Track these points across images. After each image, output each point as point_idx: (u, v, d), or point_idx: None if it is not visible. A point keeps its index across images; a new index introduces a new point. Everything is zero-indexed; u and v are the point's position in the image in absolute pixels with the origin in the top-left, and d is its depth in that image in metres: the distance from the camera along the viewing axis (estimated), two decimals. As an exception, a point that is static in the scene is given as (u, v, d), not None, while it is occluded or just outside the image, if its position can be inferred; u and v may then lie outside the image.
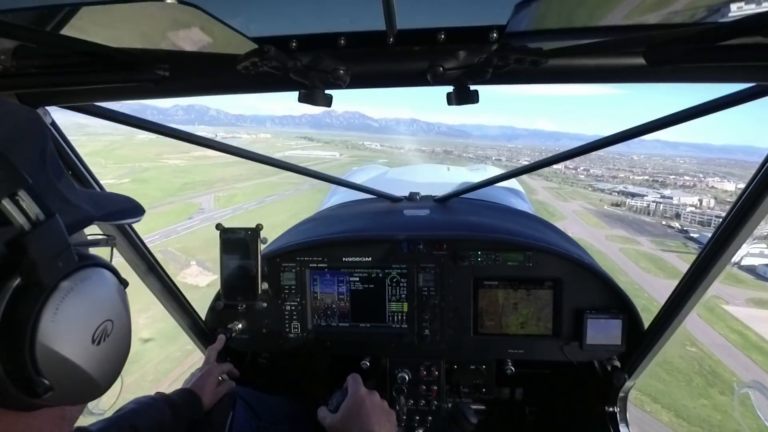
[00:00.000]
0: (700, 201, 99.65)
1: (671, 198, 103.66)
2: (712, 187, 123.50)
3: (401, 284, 2.07)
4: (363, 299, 2.10)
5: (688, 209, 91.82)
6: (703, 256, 1.53)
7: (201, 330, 2.15)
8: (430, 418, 2.11)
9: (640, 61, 0.97)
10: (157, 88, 1.16)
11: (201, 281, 36.92)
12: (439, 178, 3.48)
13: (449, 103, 1.10)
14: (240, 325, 2.08)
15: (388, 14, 0.82)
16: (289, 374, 2.50)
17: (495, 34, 0.94)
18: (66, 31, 0.90)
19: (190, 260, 40.41)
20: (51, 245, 0.57)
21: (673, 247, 55.75)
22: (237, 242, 1.88)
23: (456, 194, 2.46)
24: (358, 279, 2.09)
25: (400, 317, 2.09)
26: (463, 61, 0.98)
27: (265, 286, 1.98)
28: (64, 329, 0.59)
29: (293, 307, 2.11)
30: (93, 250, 0.79)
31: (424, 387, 2.11)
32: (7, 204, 0.52)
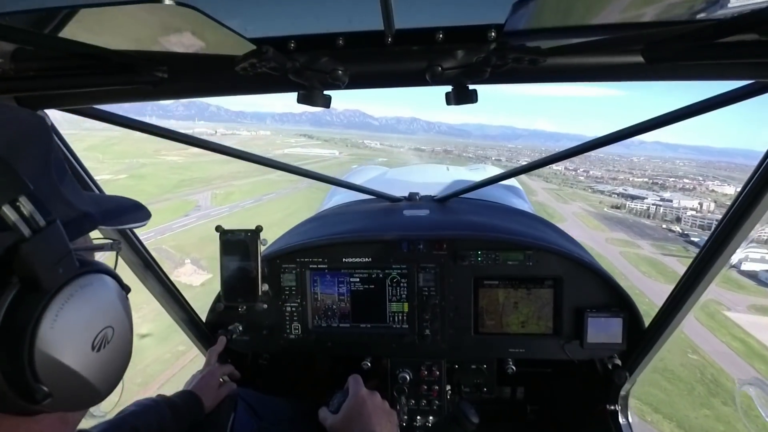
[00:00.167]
0: (701, 204, 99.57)
1: (671, 201, 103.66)
2: (713, 190, 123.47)
3: (401, 284, 2.07)
4: (363, 300, 2.10)
5: (689, 213, 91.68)
6: (703, 253, 1.51)
7: (202, 332, 2.14)
8: (431, 417, 2.11)
9: (639, 59, 0.97)
10: (156, 90, 1.15)
11: (195, 280, 36.40)
12: (439, 178, 3.44)
13: (448, 102, 1.09)
14: (241, 327, 2.08)
15: (387, 14, 0.82)
16: (290, 375, 2.50)
17: (493, 33, 0.93)
18: (64, 33, 0.90)
19: (185, 258, 39.92)
20: (51, 251, 0.57)
21: (673, 251, 55.48)
22: (237, 244, 1.86)
23: (455, 194, 2.45)
24: (358, 279, 2.09)
25: (400, 317, 2.09)
26: (462, 60, 0.98)
27: (266, 287, 1.98)
28: (64, 336, 0.59)
29: (294, 308, 2.11)
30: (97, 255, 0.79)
31: (425, 387, 2.11)
32: (7, 210, 0.52)
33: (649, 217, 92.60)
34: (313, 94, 1.05)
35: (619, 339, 1.95)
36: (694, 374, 26.46)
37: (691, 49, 0.89)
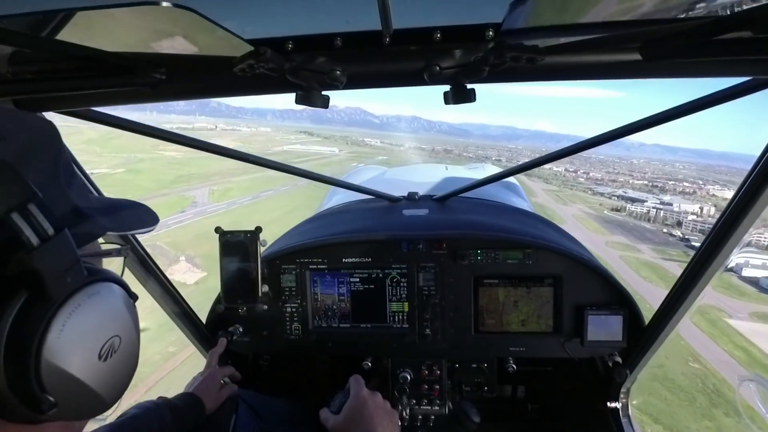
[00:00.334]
0: (701, 209, 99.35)
1: (671, 204, 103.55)
2: (713, 195, 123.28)
3: (401, 284, 2.07)
4: (363, 300, 2.09)
5: (690, 217, 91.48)
6: (702, 250, 1.51)
7: (202, 333, 2.13)
8: (432, 417, 2.12)
9: (636, 56, 0.97)
10: (154, 92, 1.15)
11: (189, 278, 35.88)
12: (438, 178, 3.46)
13: (446, 102, 1.09)
14: (241, 328, 2.08)
15: (384, 14, 0.82)
16: (291, 376, 2.49)
17: (491, 32, 0.94)
18: (62, 36, 0.90)
19: (179, 256, 39.46)
20: (59, 260, 0.57)
21: (674, 256, 55.16)
22: (236, 245, 1.85)
23: (455, 193, 2.45)
24: (358, 279, 2.09)
25: (400, 317, 2.09)
26: (460, 59, 0.98)
27: (266, 288, 1.97)
28: (71, 346, 0.59)
29: (294, 309, 2.11)
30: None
31: (426, 386, 2.12)
32: (16, 218, 0.52)
33: (649, 220, 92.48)
34: (311, 95, 1.05)
35: (619, 337, 1.95)
36: (696, 384, 25.99)
37: (688, 46, 0.88)
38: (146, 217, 0.89)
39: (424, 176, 3.51)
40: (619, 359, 1.97)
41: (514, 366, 2.07)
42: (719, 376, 26.72)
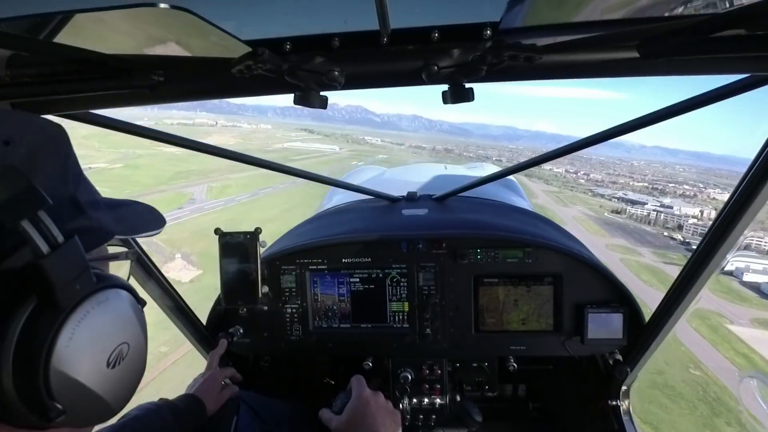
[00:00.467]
0: (701, 212, 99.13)
1: (672, 208, 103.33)
2: (713, 198, 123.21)
3: (401, 284, 2.07)
4: (363, 300, 2.09)
5: (690, 221, 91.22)
6: (702, 246, 1.51)
7: (202, 335, 2.13)
8: (433, 416, 2.12)
9: (634, 54, 0.97)
10: (153, 94, 1.15)
11: (184, 276, 35.50)
12: (437, 177, 3.45)
13: (445, 101, 1.09)
14: (241, 329, 2.07)
15: (382, 14, 0.82)
16: (292, 377, 2.49)
17: (489, 31, 0.93)
18: (59, 39, 0.90)
19: (175, 253, 39.13)
20: (69, 268, 0.57)
21: (675, 260, 55.03)
22: (236, 246, 1.85)
23: (454, 193, 2.44)
24: (358, 280, 2.08)
25: (401, 317, 2.08)
26: (458, 59, 0.98)
27: (266, 289, 1.97)
28: (80, 354, 0.59)
29: (294, 310, 2.10)
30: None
31: (427, 386, 2.12)
32: (26, 226, 0.52)
33: (649, 223, 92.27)
34: (309, 95, 1.05)
35: (619, 334, 1.95)
36: (696, 391, 25.64)
37: (685, 43, 0.88)
38: (152, 219, 0.89)
39: (423, 176, 3.50)
40: (619, 357, 1.97)
41: (515, 365, 2.07)
42: (720, 384, 26.35)
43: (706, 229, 1.53)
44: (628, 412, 2.03)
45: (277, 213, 56.46)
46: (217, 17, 0.79)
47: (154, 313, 1.96)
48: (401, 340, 2.09)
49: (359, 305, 2.11)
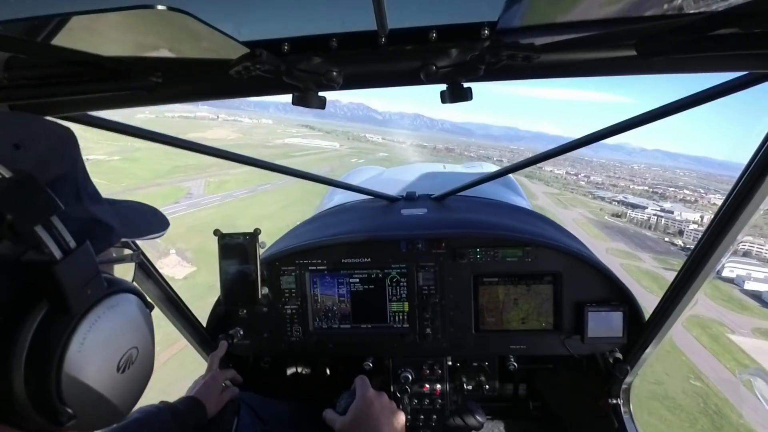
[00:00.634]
0: (702, 218, 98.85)
1: (672, 212, 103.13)
2: (714, 204, 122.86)
3: (401, 284, 2.07)
4: (363, 300, 2.09)
5: (691, 227, 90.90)
6: (703, 242, 1.51)
7: (202, 337, 2.13)
8: (434, 416, 2.12)
9: (632, 53, 0.97)
10: (151, 95, 1.15)
11: (178, 273, 34.98)
12: (436, 177, 3.45)
13: (443, 101, 1.09)
14: (241, 331, 2.07)
15: (379, 14, 0.82)
16: (292, 378, 2.49)
17: (486, 31, 0.93)
18: (57, 41, 0.90)
19: (170, 248, 38.62)
20: (81, 273, 0.57)
21: (676, 266, 53.80)
22: (235, 247, 1.85)
23: (453, 192, 2.44)
24: (358, 280, 2.08)
25: (401, 317, 2.09)
26: (456, 58, 0.98)
27: (265, 290, 1.97)
28: (91, 359, 0.59)
29: (294, 311, 2.10)
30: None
31: (428, 386, 2.12)
32: (40, 231, 0.52)
33: (650, 228, 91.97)
34: (307, 96, 1.05)
35: (619, 333, 1.94)
36: (697, 403, 25.16)
37: (683, 42, 0.88)
38: (155, 221, 0.89)
39: (422, 176, 3.47)
40: (619, 355, 1.96)
41: (515, 364, 2.06)
42: (722, 396, 25.90)
43: (707, 225, 1.49)
44: (628, 411, 2.02)
45: (275, 210, 55.98)
46: (214, 18, 0.79)
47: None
48: (401, 340, 2.09)
49: (359, 305, 2.10)
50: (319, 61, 0.99)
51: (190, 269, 35.65)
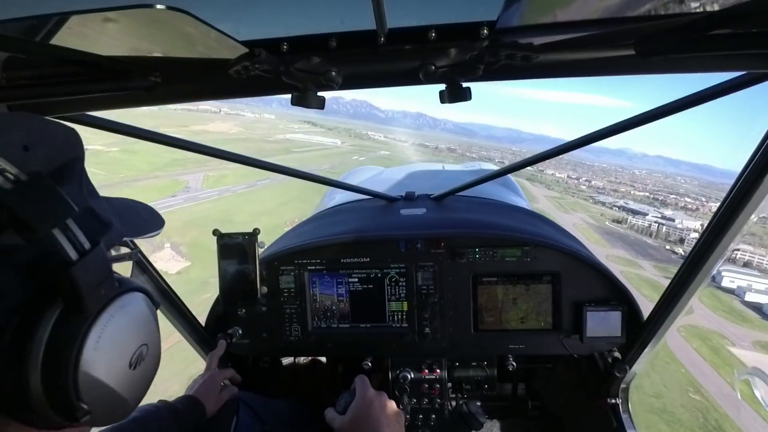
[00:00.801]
0: (703, 226, 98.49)
1: (673, 220, 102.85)
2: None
3: (400, 283, 2.07)
4: (362, 300, 2.10)
5: (692, 235, 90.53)
6: (702, 241, 1.52)
7: (201, 336, 2.13)
8: (433, 416, 2.12)
9: (631, 52, 0.97)
10: (149, 95, 1.15)
11: (171, 267, 34.46)
12: (435, 177, 3.44)
13: (442, 101, 1.09)
14: (240, 330, 2.08)
15: (379, 14, 0.82)
16: (291, 377, 2.51)
17: (485, 31, 0.93)
18: (56, 41, 0.90)
19: (164, 242, 38.12)
20: (96, 274, 0.58)
21: (677, 275, 53.17)
22: (234, 247, 1.85)
23: (452, 192, 2.44)
24: (357, 280, 2.08)
25: (400, 316, 2.09)
26: (455, 58, 0.98)
27: (264, 289, 1.96)
28: (106, 356, 0.60)
29: (293, 310, 2.11)
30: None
31: (427, 386, 2.12)
32: (57, 234, 0.53)
33: (651, 235, 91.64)
34: (306, 96, 1.05)
35: (618, 332, 1.95)
36: (696, 418, 24.68)
37: (682, 42, 0.88)
38: (151, 219, 0.90)
39: (421, 176, 3.47)
40: (618, 355, 1.96)
41: (514, 363, 2.06)
42: (722, 411, 25.40)
43: (706, 224, 1.49)
44: (627, 410, 2.02)
45: (272, 206, 55.49)
46: (213, 18, 0.79)
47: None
48: (400, 340, 2.09)
49: (358, 305, 2.10)
50: (318, 60, 0.98)
51: (183, 264, 35.21)
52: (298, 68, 0.99)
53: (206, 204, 54.64)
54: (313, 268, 2.07)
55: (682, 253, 76.34)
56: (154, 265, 1.92)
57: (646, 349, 1.87)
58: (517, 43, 0.94)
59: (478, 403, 1.95)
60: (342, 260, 2.06)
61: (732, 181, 1.36)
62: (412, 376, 2.10)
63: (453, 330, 2.06)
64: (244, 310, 2.08)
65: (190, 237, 37.57)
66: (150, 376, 0.71)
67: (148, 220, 0.88)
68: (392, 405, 1.37)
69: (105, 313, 0.59)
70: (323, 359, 2.58)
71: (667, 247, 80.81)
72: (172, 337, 2.11)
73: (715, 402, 25.92)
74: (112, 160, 66.65)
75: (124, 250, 0.87)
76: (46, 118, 0.67)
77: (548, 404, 2.48)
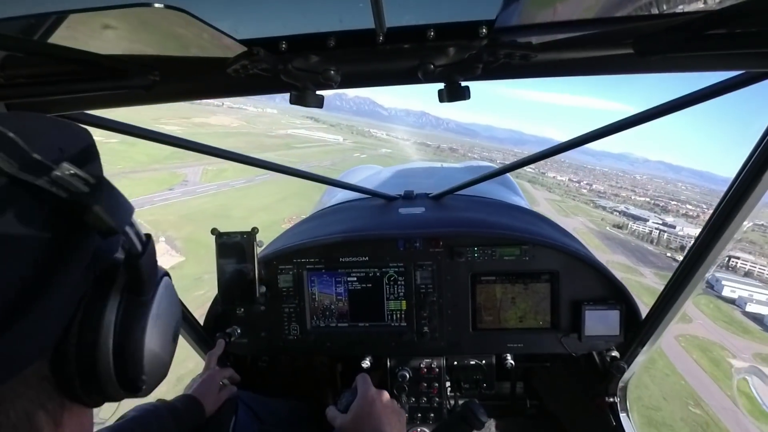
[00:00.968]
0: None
1: (675, 227, 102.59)
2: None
3: (399, 282, 2.07)
4: (361, 299, 2.10)
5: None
6: (700, 240, 1.52)
7: (200, 335, 2.13)
8: (432, 415, 2.13)
9: (630, 51, 0.98)
10: (148, 94, 1.15)
11: (165, 262, 33.85)
12: (434, 176, 3.41)
13: (441, 100, 1.09)
14: (239, 329, 2.08)
15: (377, 13, 0.82)
16: (290, 376, 2.51)
17: (484, 30, 0.93)
18: (54, 39, 0.90)
19: (160, 236, 37.74)
20: (152, 263, 0.64)
21: (678, 283, 52.76)
22: (233, 246, 1.85)
23: (451, 191, 2.44)
24: (355, 279, 2.08)
25: (398, 315, 2.09)
26: (453, 57, 0.98)
27: (263, 289, 1.96)
28: (161, 333, 0.67)
29: (291, 309, 2.11)
30: None
31: (425, 384, 2.13)
32: (129, 230, 0.57)
33: (652, 242, 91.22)
34: (305, 95, 1.05)
35: (616, 331, 1.96)
36: (696, 433, 24.08)
37: (681, 41, 0.88)
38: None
39: (420, 175, 3.51)
40: (616, 353, 1.96)
41: (513, 362, 2.08)
42: (723, 426, 24.87)
43: (705, 223, 1.50)
44: (625, 409, 2.02)
45: (270, 202, 54.99)
46: (212, 17, 0.79)
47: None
48: (399, 339, 2.09)
49: (357, 304, 2.10)
50: (317, 59, 0.98)
51: (178, 259, 34.77)
52: (296, 67, 0.98)
53: (204, 198, 54.10)
54: (312, 267, 2.07)
55: (684, 261, 75.83)
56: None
57: (644, 348, 1.89)
58: (516, 42, 0.94)
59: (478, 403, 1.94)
60: (341, 259, 2.06)
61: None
62: (411, 374, 2.10)
63: (451, 329, 2.07)
64: (242, 310, 2.08)
65: (185, 231, 37.12)
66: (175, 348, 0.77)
67: (129, 211, 0.85)
68: (393, 404, 1.37)
69: (157, 295, 0.65)
70: (322, 358, 2.58)
71: (668, 254, 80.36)
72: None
73: (715, 416, 25.45)
74: (110, 151, 66.02)
75: None
76: (66, 120, 0.68)
77: (546, 403, 2.50)
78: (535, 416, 2.49)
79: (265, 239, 2.06)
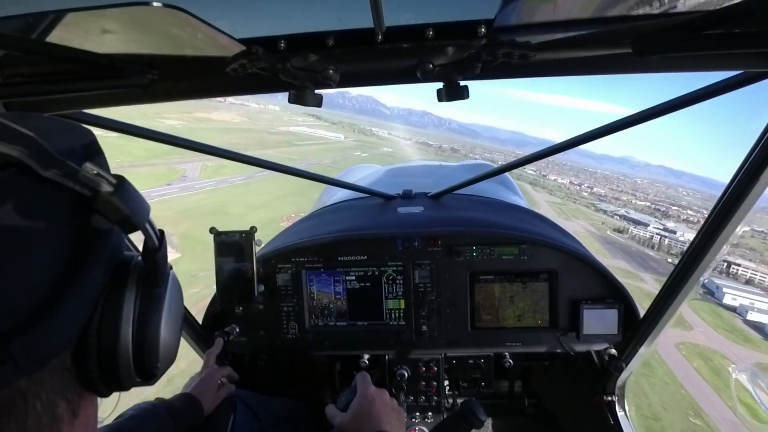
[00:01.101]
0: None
1: (675, 233, 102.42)
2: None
3: (397, 281, 2.07)
4: (360, 298, 2.10)
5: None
6: (701, 236, 1.52)
7: (198, 334, 2.13)
8: (430, 413, 2.14)
9: (628, 51, 0.98)
10: (147, 93, 1.15)
11: (159, 259, 33.54)
12: (432, 175, 3.42)
13: (439, 99, 1.09)
14: (238, 328, 2.08)
15: (376, 12, 0.82)
16: (289, 375, 2.52)
17: (483, 29, 0.93)
18: (52, 38, 0.90)
19: (156, 231, 37.26)
20: (166, 257, 0.66)
21: (679, 291, 52.57)
22: (231, 245, 1.84)
23: (449, 190, 2.45)
24: (354, 278, 2.08)
25: (397, 314, 2.09)
26: (452, 56, 0.98)
27: (262, 288, 1.96)
28: (173, 322, 0.69)
29: (290, 308, 2.11)
30: None
31: (424, 383, 2.13)
32: (148, 227, 0.59)
33: (653, 247, 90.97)
34: (304, 94, 1.05)
35: (614, 330, 1.96)
36: (696, 444, 23.72)
37: (679, 40, 0.89)
38: None
39: (418, 174, 3.50)
40: (614, 352, 1.97)
41: (511, 361, 2.08)
42: (724, 438, 24.46)
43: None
44: (623, 407, 2.03)
45: (268, 199, 54.66)
46: (211, 16, 0.79)
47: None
48: (397, 338, 2.09)
49: (355, 303, 2.10)
50: (316, 58, 0.98)
51: (173, 255, 34.45)
52: (295, 66, 0.98)
53: (201, 194, 53.76)
54: (311, 266, 2.07)
55: (685, 267, 75.63)
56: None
57: (643, 347, 1.89)
58: (515, 41, 0.94)
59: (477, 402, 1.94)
60: (339, 258, 2.06)
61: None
62: (409, 373, 2.10)
63: (450, 328, 2.07)
64: (241, 308, 2.08)
65: (182, 228, 36.77)
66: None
67: None
68: (393, 402, 1.37)
69: (169, 287, 0.66)
70: (321, 357, 2.58)
71: (669, 260, 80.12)
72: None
73: (716, 427, 25.11)
74: (109, 145, 64.58)
75: None
76: (74, 122, 0.69)
77: (545, 402, 2.51)
78: (534, 415, 2.50)
79: (263, 237, 2.03)
